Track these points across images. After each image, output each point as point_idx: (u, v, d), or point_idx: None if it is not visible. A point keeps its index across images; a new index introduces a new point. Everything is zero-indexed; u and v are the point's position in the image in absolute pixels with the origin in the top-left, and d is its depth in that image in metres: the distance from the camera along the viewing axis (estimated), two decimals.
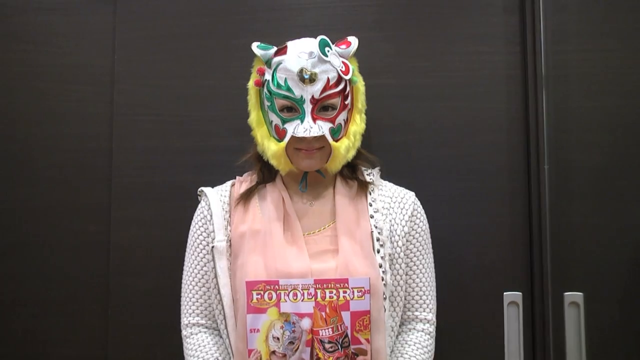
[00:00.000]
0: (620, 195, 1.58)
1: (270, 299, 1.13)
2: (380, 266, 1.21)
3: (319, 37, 1.25)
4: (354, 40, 1.30)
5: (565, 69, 1.59)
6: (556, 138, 1.58)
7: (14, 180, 1.70)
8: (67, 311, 1.67)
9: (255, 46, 1.28)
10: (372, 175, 1.35)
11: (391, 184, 1.37)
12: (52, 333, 1.67)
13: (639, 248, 1.57)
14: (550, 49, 1.59)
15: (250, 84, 1.31)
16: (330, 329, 1.13)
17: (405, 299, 1.28)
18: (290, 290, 1.13)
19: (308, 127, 1.20)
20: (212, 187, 1.38)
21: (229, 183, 1.38)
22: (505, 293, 1.58)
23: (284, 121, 1.24)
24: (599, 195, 1.58)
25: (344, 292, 1.13)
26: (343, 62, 1.26)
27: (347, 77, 1.25)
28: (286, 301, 1.13)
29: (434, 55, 1.65)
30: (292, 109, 1.24)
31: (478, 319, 1.60)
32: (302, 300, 1.13)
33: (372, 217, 1.27)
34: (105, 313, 1.66)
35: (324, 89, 1.22)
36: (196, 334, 1.28)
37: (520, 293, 1.58)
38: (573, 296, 1.56)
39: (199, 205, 1.34)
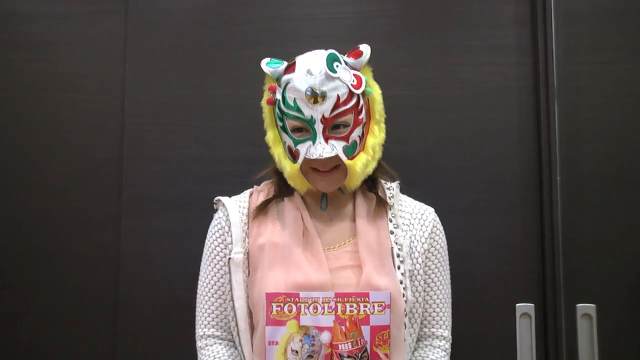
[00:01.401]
0: (632, 207, 1.58)
1: (290, 311, 1.12)
2: (401, 282, 1.20)
3: (328, 52, 1.22)
4: (365, 49, 1.24)
5: (576, 80, 1.60)
6: (568, 149, 1.58)
7: (24, 190, 1.69)
8: (76, 322, 1.66)
9: (264, 64, 1.25)
10: (391, 189, 1.33)
11: (411, 199, 1.36)
12: (60, 344, 1.66)
13: None
14: (562, 60, 1.59)
15: (263, 102, 1.28)
16: (349, 343, 1.12)
17: (422, 315, 1.27)
18: (311, 303, 1.12)
19: (320, 149, 1.18)
20: (223, 196, 1.35)
21: (247, 193, 1.35)
22: (517, 305, 1.59)
23: (296, 142, 1.21)
24: (611, 206, 1.58)
25: (365, 306, 1.12)
26: (355, 74, 1.23)
27: (358, 92, 1.21)
28: (306, 314, 1.12)
29: (445, 66, 1.66)
30: (303, 130, 1.21)
31: (491, 330, 1.60)
32: (322, 314, 1.12)
33: (392, 233, 1.26)
34: (114, 324, 1.65)
35: (335, 107, 1.18)
36: (211, 346, 1.27)
37: (532, 305, 1.58)
38: (585, 308, 1.56)
39: (216, 215, 1.32)
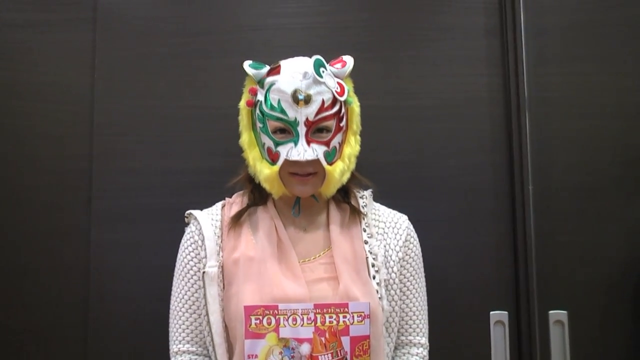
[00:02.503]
0: (602, 215, 1.62)
1: (269, 324, 1.11)
2: (377, 292, 1.19)
3: (314, 57, 1.23)
4: (349, 60, 1.26)
5: (546, 90, 1.64)
6: (540, 158, 1.61)
7: None
8: (45, 338, 1.61)
9: (247, 65, 1.25)
10: (364, 197, 1.33)
11: (384, 207, 1.35)
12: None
13: (620, 266, 1.60)
14: (532, 71, 1.63)
15: (242, 104, 1.27)
16: (329, 355, 1.11)
17: (399, 323, 1.27)
18: (290, 315, 1.11)
19: (302, 151, 1.17)
20: (195, 208, 1.32)
21: (219, 205, 1.33)
22: (491, 312, 1.60)
23: (277, 144, 1.21)
24: (582, 214, 1.62)
25: (344, 316, 1.11)
26: (338, 82, 1.24)
27: (342, 99, 1.22)
28: (285, 326, 1.10)
29: (418, 77, 1.67)
30: (286, 131, 1.20)
31: (465, 338, 1.61)
32: (301, 325, 1.11)
33: (366, 242, 1.25)
34: (84, 340, 1.60)
35: (319, 111, 1.19)
36: None
37: (506, 312, 1.60)
38: (557, 314, 1.59)
39: (188, 229, 1.30)
